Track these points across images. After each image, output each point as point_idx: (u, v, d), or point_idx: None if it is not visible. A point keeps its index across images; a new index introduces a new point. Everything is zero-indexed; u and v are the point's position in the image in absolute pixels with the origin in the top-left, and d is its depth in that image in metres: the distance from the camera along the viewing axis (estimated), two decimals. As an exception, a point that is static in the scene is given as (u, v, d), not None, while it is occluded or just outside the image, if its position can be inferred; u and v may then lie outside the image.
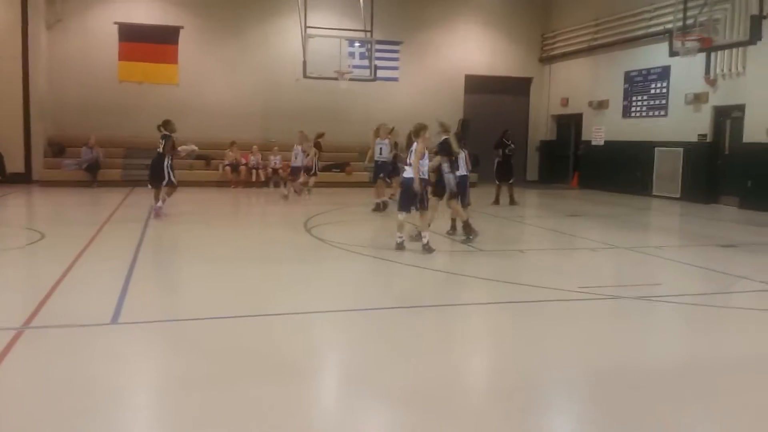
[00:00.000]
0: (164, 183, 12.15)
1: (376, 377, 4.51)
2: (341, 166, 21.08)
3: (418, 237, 9.31)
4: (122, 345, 5.10)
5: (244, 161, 19.55)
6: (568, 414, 4.09)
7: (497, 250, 9.93)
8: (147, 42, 19.33)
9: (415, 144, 8.90)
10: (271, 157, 19.75)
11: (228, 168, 19.42)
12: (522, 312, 6.37)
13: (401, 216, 9.14)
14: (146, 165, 19.44)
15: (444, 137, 9.88)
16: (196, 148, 19.94)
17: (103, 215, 12.53)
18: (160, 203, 12.13)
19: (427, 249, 8.98)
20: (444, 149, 9.81)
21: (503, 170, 15.52)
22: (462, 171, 10.10)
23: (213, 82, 20.99)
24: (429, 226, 9.30)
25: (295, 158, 16.08)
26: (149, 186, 12.70)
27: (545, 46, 24.05)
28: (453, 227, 10.70)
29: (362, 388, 4.37)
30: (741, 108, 15.96)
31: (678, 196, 17.33)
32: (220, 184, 19.31)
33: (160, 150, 12.29)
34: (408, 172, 8.93)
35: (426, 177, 9.12)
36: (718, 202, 16.46)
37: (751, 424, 3.88)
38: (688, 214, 15.09)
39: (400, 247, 9.10)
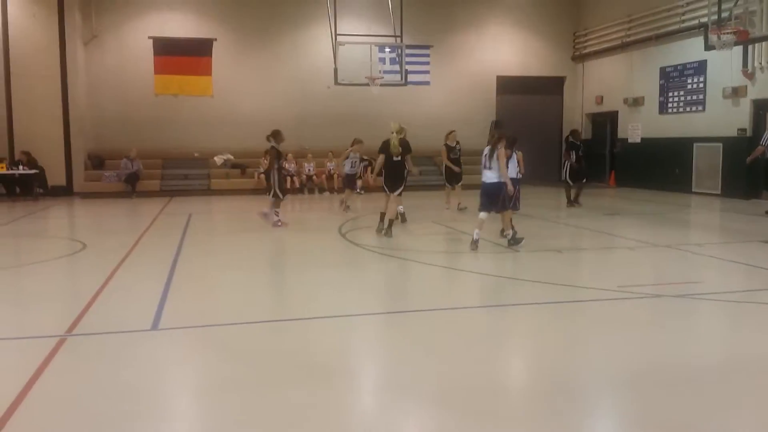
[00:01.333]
0: (270, 194, 12.06)
1: (414, 380, 4.51)
2: (378, 172, 21.08)
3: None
4: (163, 350, 5.19)
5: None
6: (608, 415, 4.04)
7: (536, 251, 9.82)
8: (181, 55, 19.69)
9: (490, 149, 9.18)
10: (305, 164, 19.93)
11: (263, 176, 19.60)
12: (562, 313, 6.30)
13: (483, 215, 9.39)
14: (185, 175, 20.00)
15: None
16: (231, 156, 20.42)
17: (143, 225, 12.78)
18: (266, 210, 12.08)
19: (514, 241, 9.54)
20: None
21: (577, 171, 15.01)
22: (513, 174, 10.18)
23: (246, 93, 21.28)
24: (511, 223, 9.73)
25: (352, 166, 14.95)
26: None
27: (577, 44, 23.81)
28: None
29: (401, 390, 4.36)
30: (781, 100, 15.57)
31: (718, 192, 16.96)
32: (257, 191, 19.51)
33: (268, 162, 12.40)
34: (489, 176, 9.21)
35: (515, 177, 10.11)
36: (760, 197, 16.06)
37: (799, 422, 3.77)
38: (728, 210, 14.74)
39: (475, 245, 9.27)
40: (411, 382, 4.46)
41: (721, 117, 16.94)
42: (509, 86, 23.43)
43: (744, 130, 16.51)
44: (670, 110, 19.34)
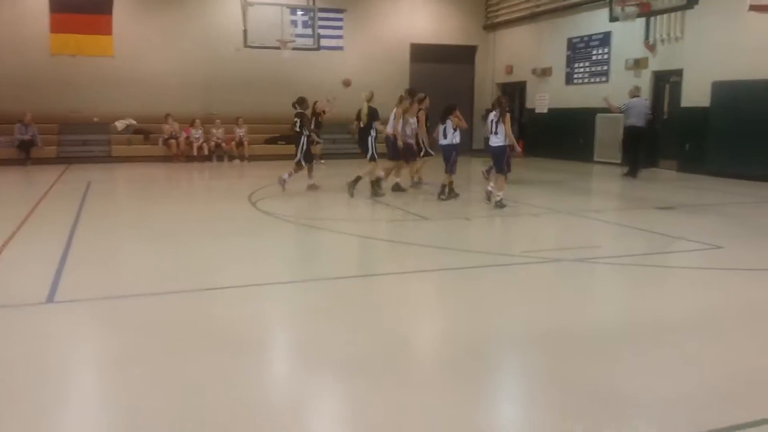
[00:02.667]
0: (295, 159, 12.30)
1: (321, 348, 4.46)
2: (288, 139, 20.71)
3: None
4: (58, 324, 4.91)
5: (185, 134, 19.04)
6: (516, 376, 4.13)
7: (444, 219, 9.95)
8: (79, 12, 18.52)
9: (496, 114, 10.24)
10: (214, 131, 19.32)
11: (172, 142, 18.91)
12: (468, 278, 6.40)
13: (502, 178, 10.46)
14: (83, 141, 18.98)
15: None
16: (134, 121, 19.53)
17: (38, 194, 12.04)
18: (286, 176, 12.24)
19: (500, 205, 10.29)
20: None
21: None
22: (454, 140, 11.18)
23: (151, 54, 20.28)
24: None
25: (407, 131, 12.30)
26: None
27: (489, 13, 24.05)
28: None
29: (307, 359, 4.32)
30: (679, 73, 16.32)
31: (619, 161, 17.66)
32: (164, 158, 18.81)
33: (297, 129, 12.41)
34: (495, 141, 10.26)
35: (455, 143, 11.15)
36: (658, 166, 16.87)
37: (688, 377, 3.98)
38: (627, 178, 15.39)
39: (499, 204, 10.28)
40: (318, 350, 4.41)
41: (624, 88, 17.48)
42: (423, 54, 23.44)
43: (645, 100, 17.21)
44: (575, 81, 19.92)
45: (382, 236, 8.74)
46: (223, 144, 19.35)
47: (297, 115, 12.47)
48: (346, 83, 13.64)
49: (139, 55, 20.05)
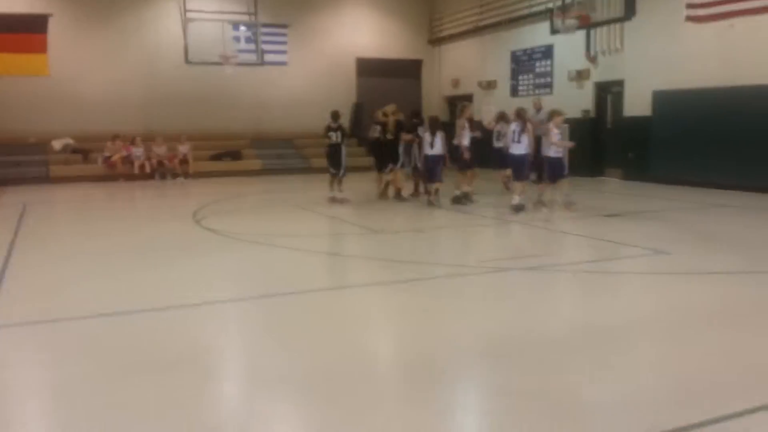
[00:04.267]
0: (339, 173, 12.68)
1: (269, 367, 4.22)
2: (233, 155, 20.38)
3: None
4: (-24, 356, 4.54)
5: (125, 153, 18.45)
6: (471, 387, 3.97)
7: (400, 231, 9.83)
8: (11, 32, 17.78)
9: (519, 125, 10.94)
10: (155, 148, 18.78)
11: (116, 160, 18.28)
12: (422, 290, 6.24)
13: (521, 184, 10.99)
14: (17, 163, 18.21)
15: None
16: (71, 141, 18.86)
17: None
18: (333, 194, 12.63)
19: (516, 209, 10.72)
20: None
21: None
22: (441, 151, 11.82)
23: (88, 72, 19.66)
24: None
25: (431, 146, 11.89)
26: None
27: (434, 27, 24.19)
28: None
29: (254, 379, 4.09)
30: (620, 83, 16.65)
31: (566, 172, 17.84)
32: (105, 178, 18.17)
33: (336, 140, 12.70)
34: (518, 149, 10.84)
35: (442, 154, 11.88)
36: (604, 174, 17.13)
37: (640, 381, 3.89)
38: (574, 186, 15.52)
39: (519, 208, 10.71)
40: (265, 370, 4.17)
41: (567, 99, 17.81)
42: (369, 68, 23.39)
43: (588, 111, 17.49)
44: (521, 93, 20.15)
45: (333, 251, 8.53)
46: (166, 162, 18.83)
47: (337, 128, 12.75)
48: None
49: (77, 74, 19.42)
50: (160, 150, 18.79)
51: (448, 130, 12.46)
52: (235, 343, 4.92)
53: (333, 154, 12.80)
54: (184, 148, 18.95)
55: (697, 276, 6.65)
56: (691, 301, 5.74)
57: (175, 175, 18.74)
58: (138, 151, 18.54)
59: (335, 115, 12.95)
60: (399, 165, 12.69)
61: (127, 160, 18.41)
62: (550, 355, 4.38)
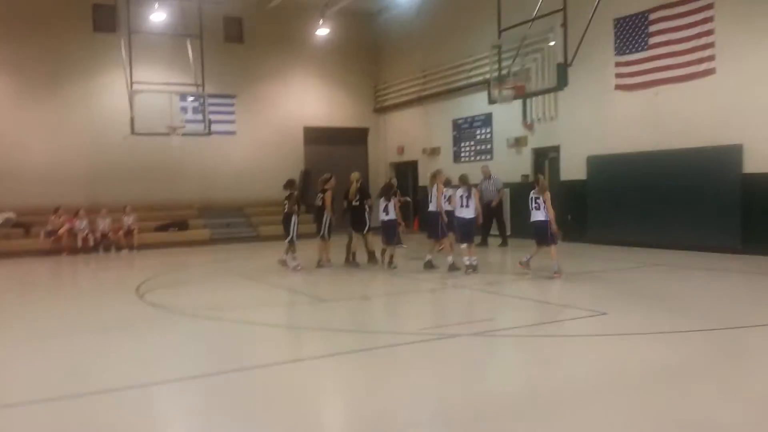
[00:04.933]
0: (287, 240, 12.70)
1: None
2: (180, 225, 20.22)
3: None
4: None
5: (68, 225, 18.10)
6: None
7: (346, 299, 9.88)
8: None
9: (536, 192, 11.11)
10: (100, 221, 18.50)
11: (61, 234, 17.88)
12: (369, 360, 6.28)
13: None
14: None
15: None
16: (12, 215, 18.43)
17: None
18: (285, 257, 12.71)
19: (558, 270, 10.80)
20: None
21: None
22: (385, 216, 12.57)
23: (31, 144, 19.42)
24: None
25: (386, 212, 12.77)
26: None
27: (379, 97, 24.90)
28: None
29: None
30: (556, 149, 17.38)
31: (509, 233, 18.30)
32: (48, 253, 17.72)
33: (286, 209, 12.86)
34: (538, 216, 10.98)
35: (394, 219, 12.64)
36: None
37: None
38: (517, 249, 15.92)
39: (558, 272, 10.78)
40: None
41: (507, 164, 18.47)
42: (317, 136, 23.80)
43: (527, 176, 18.10)
44: (463, 159, 20.76)
45: (279, 323, 8.50)
46: (110, 234, 18.53)
47: (291, 195, 12.85)
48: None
49: (18, 145, 19.18)
50: (104, 222, 18.52)
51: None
52: (172, 428, 4.85)
53: (284, 222, 12.91)
54: (128, 220, 18.73)
55: (633, 337, 6.88)
56: (626, 363, 5.94)
57: (119, 248, 18.44)
58: (81, 224, 18.23)
59: (287, 184, 13.13)
60: (366, 230, 13.04)
61: (71, 233, 18.06)
62: (493, 424, 4.46)
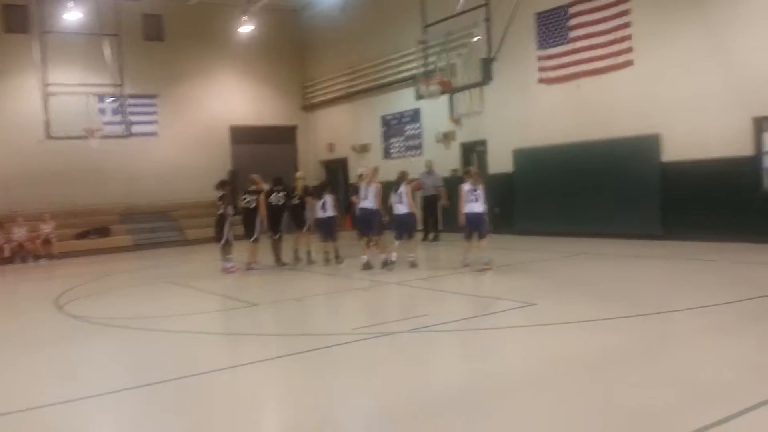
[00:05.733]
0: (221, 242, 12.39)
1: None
2: (101, 232, 19.44)
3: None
4: None
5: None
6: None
7: (274, 303, 9.67)
8: None
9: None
10: (15, 230, 17.56)
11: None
12: (306, 363, 6.12)
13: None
14: None
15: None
16: None
17: None
18: (226, 263, 12.43)
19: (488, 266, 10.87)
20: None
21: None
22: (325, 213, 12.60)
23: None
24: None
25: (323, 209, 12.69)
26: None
27: (306, 94, 24.63)
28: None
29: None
30: (483, 143, 17.60)
31: (441, 227, 18.43)
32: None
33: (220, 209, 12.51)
34: (475, 208, 10.97)
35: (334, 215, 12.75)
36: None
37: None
38: (446, 243, 16.04)
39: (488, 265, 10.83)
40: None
41: (437, 159, 18.51)
42: (243, 135, 23.34)
43: (456, 170, 18.26)
44: (393, 155, 20.78)
45: (210, 329, 8.23)
46: (27, 243, 17.62)
47: (223, 195, 12.51)
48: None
49: None
50: (20, 231, 17.59)
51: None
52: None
53: (217, 224, 12.58)
54: (47, 228, 17.85)
55: (563, 326, 6.98)
56: (558, 351, 6.02)
57: (37, 257, 17.55)
58: (-6, 233, 17.28)
59: (219, 184, 12.83)
60: (306, 228, 13.10)
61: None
62: (435, 420, 4.43)
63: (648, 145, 13.74)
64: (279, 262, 12.91)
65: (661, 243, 12.99)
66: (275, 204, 12.91)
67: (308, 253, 13.19)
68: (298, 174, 13.66)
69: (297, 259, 13.15)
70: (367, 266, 11.58)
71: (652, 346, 6.08)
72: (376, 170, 12.34)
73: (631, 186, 14.02)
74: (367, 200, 11.78)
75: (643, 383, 4.96)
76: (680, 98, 13.25)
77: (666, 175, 13.54)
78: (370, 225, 11.81)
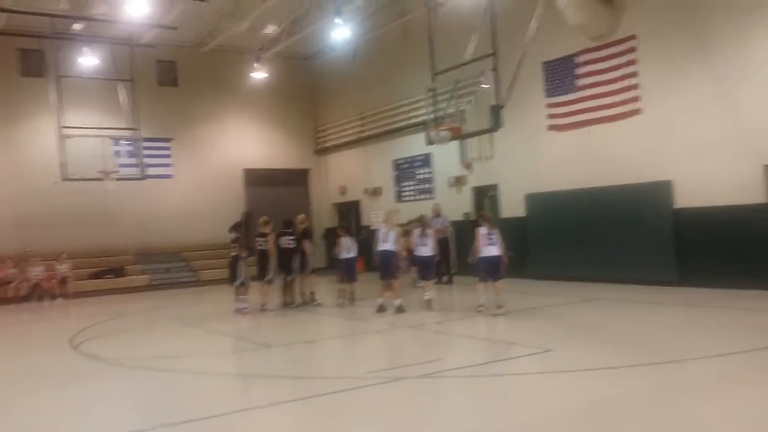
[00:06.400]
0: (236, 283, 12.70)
1: None
2: (116, 272, 19.59)
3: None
4: None
5: (-2, 275, 17.31)
6: None
7: (285, 344, 9.70)
8: None
9: (487, 227, 11.32)
10: (32, 269, 17.74)
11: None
12: (314, 407, 6.15)
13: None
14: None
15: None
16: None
17: None
18: (239, 303, 12.59)
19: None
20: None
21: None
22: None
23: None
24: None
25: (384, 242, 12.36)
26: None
27: (318, 138, 24.97)
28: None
29: None
30: (495, 187, 17.74)
31: (455, 270, 18.45)
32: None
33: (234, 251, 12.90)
34: (493, 251, 11.09)
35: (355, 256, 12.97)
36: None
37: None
38: (460, 286, 16.05)
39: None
40: None
41: (449, 203, 18.67)
42: (257, 178, 23.63)
43: (468, 213, 18.37)
44: (405, 198, 20.95)
45: (223, 371, 8.26)
46: (43, 283, 17.78)
47: (237, 237, 12.95)
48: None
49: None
50: (37, 271, 17.77)
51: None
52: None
53: (231, 265, 12.84)
54: (63, 268, 18.03)
55: (579, 373, 6.97)
56: (573, 399, 6.01)
57: (53, 297, 17.69)
58: (12, 273, 17.45)
59: (233, 226, 13.17)
60: (309, 270, 13.30)
61: (1, 283, 17.24)
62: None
63: (660, 191, 13.81)
64: (289, 303, 12.97)
65: (675, 289, 12.93)
66: (285, 246, 13.01)
67: (311, 294, 13.34)
68: (299, 217, 13.79)
69: (303, 301, 13.25)
70: (381, 309, 11.60)
71: (667, 395, 6.05)
72: (396, 213, 12.53)
73: (644, 232, 14.04)
74: (387, 243, 11.83)
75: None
76: (690, 146, 13.36)
77: (679, 221, 13.57)
78: (389, 267, 11.84)
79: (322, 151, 24.90)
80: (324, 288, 14.67)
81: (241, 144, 23.46)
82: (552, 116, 16.13)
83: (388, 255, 11.81)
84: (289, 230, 13.24)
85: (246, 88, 22.86)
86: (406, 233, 12.92)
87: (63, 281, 17.95)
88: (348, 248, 12.83)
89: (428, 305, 11.68)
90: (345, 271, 12.93)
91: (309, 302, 13.23)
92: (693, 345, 8.21)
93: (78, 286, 18.16)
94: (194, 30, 21.03)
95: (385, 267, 11.86)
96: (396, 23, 19.99)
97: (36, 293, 17.65)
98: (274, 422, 5.88)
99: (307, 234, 13.47)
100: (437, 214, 16.81)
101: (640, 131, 14.20)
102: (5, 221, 19.06)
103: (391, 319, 11.07)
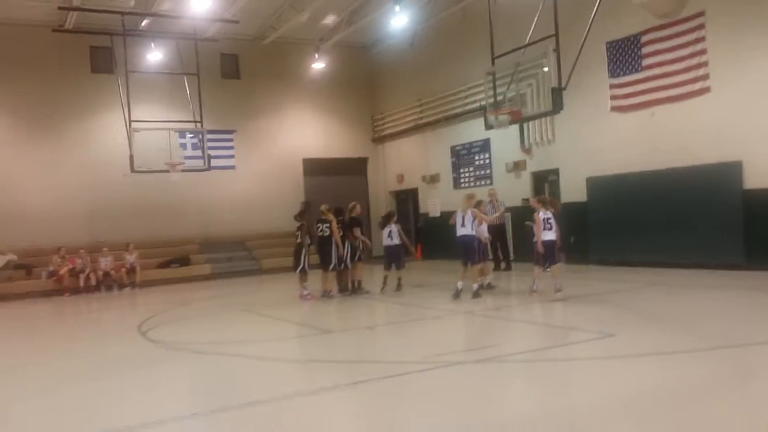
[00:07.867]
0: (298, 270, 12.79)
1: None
2: (181, 261, 20.19)
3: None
4: None
5: (71, 265, 18.08)
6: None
7: (348, 329, 9.81)
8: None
9: (545, 213, 11.27)
10: (101, 259, 18.48)
11: (63, 274, 17.82)
12: (373, 390, 6.19)
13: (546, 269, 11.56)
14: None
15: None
16: (14, 257, 18.42)
17: None
18: (303, 290, 12.78)
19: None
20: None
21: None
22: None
23: (29, 185, 19.48)
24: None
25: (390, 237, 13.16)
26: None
27: (376, 126, 25.04)
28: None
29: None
30: (556, 172, 17.41)
31: (513, 257, 18.25)
32: (51, 293, 17.66)
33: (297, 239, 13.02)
34: (550, 235, 11.10)
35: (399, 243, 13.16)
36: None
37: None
38: (521, 272, 15.87)
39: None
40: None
41: (507, 189, 18.47)
42: (316, 168, 23.91)
43: (527, 199, 18.06)
44: (462, 185, 20.80)
45: (285, 356, 8.43)
46: (112, 272, 18.50)
47: (301, 225, 13.00)
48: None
49: (17, 187, 19.24)
50: (106, 260, 18.50)
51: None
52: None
53: (295, 252, 12.99)
54: (131, 257, 18.71)
55: (643, 358, 6.80)
56: (638, 384, 5.87)
57: (122, 286, 18.39)
58: (82, 264, 18.21)
59: (297, 215, 13.31)
60: (357, 258, 13.16)
61: (73, 272, 18.03)
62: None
63: (729, 172, 13.29)
64: (344, 290, 13.04)
65: (743, 273, 12.46)
66: (320, 235, 13.01)
67: (359, 282, 13.27)
68: (322, 207, 13.25)
69: (352, 289, 13.14)
70: (457, 295, 11.41)
71: (734, 381, 5.85)
72: (472, 196, 12.22)
73: (711, 214, 13.55)
74: (465, 227, 11.48)
75: (723, 420, 4.78)
76: (762, 125, 12.80)
77: (749, 202, 13.03)
78: (469, 251, 11.54)
79: (379, 140, 24.97)
80: (375, 276, 14.74)
81: (301, 134, 23.76)
82: (615, 97, 15.71)
83: (466, 239, 11.47)
84: (340, 218, 13.12)
85: (305, 78, 23.15)
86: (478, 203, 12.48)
87: (131, 271, 18.62)
88: (389, 235, 12.91)
89: (476, 293, 11.46)
90: (387, 258, 13.09)
91: (356, 290, 13.12)
92: (760, 330, 7.88)
93: (145, 276, 18.80)
94: (256, 23, 21.45)
95: (464, 251, 11.51)
96: (455, 8, 19.81)
97: (105, 282, 18.37)
98: (333, 405, 5.95)
99: (355, 222, 13.36)
100: (491, 200, 16.48)
101: (708, 111, 13.68)
102: (77, 214, 19.90)
103: (449, 305, 11.03)
